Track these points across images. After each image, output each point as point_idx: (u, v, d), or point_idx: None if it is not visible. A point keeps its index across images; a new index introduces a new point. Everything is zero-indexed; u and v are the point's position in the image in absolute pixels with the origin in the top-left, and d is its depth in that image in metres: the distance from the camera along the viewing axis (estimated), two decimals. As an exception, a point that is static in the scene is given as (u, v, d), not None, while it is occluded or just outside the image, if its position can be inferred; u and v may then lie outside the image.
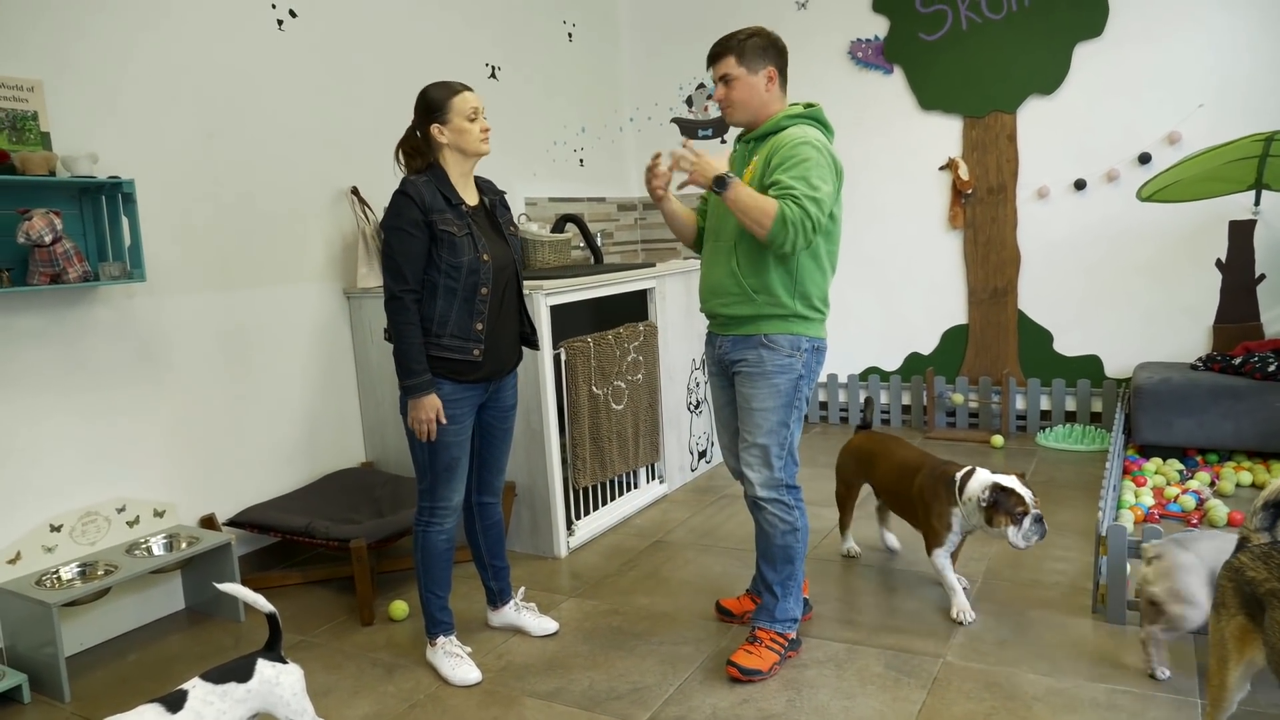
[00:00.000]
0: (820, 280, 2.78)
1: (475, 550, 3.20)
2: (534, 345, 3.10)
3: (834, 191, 2.68)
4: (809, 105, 2.80)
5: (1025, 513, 2.92)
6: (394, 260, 2.69)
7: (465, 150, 2.78)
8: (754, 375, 2.78)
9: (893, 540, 3.73)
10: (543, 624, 3.22)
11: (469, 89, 2.79)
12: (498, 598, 3.24)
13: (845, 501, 3.70)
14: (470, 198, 2.85)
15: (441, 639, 2.96)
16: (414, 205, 2.68)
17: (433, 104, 2.75)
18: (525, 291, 3.67)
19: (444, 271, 2.72)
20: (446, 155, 2.79)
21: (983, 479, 3.00)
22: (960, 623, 3.06)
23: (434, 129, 2.75)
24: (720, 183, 2.62)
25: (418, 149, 2.82)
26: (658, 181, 2.87)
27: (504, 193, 3.04)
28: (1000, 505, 2.94)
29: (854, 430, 3.75)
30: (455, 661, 2.90)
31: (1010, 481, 2.97)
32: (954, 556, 3.20)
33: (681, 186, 2.85)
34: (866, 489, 3.68)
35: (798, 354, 2.76)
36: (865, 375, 6.05)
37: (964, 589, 3.19)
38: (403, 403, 2.79)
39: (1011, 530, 2.93)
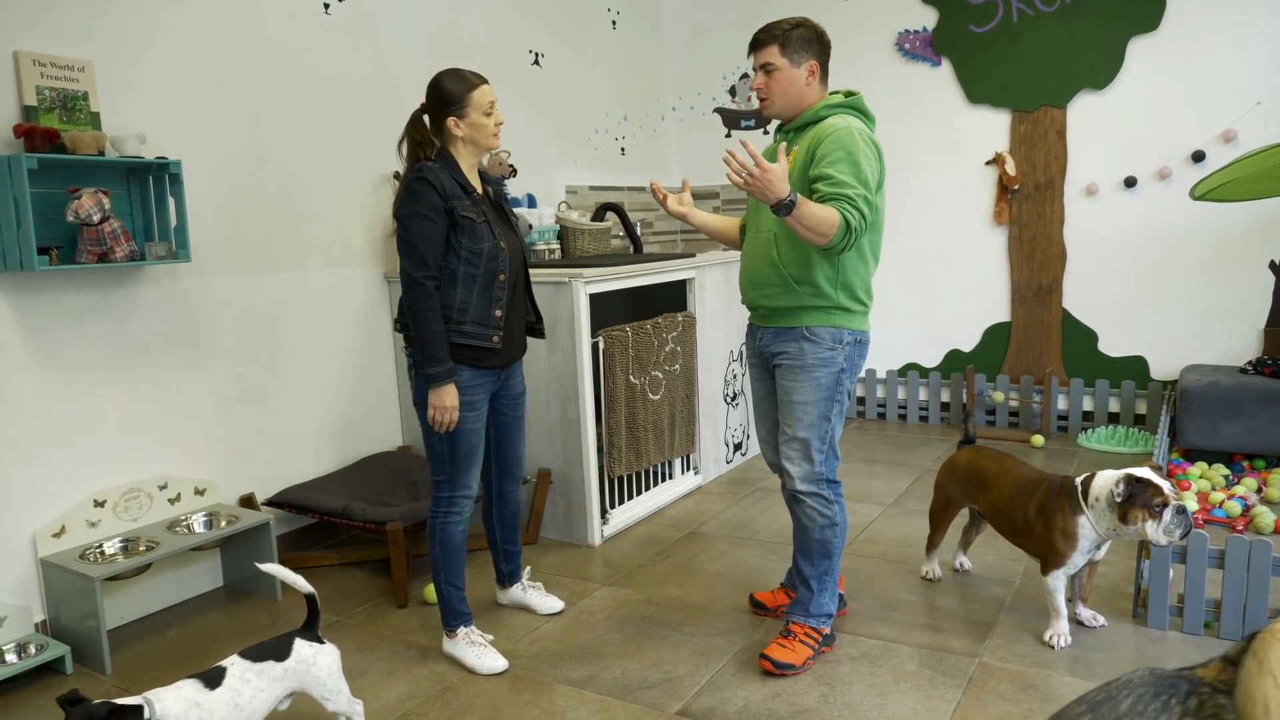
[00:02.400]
0: (863, 271, 2.75)
1: (491, 536, 3.24)
2: (539, 334, 3.09)
3: (877, 182, 2.65)
4: (849, 94, 2.76)
5: (1165, 504, 2.67)
6: (414, 247, 2.65)
7: (479, 144, 2.78)
8: (795, 368, 2.75)
9: (966, 562, 3.51)
10: (549, 603, 3.27)
11: (485, 81, 2.78)
12: (507, 579, 3.30)
13: (940, 521, 3.38)
14: (478, 186, 2.84)
15: (463, 630, 2.94)
16: (434, 191, 2.66)
17: (450, 96, 2.73)
18: (564, 279, 3.70)
19: (464, 258, 2.71)
20: (459, 146, 2.78)
21: (1110, 475, 2.78)
22: (1053, 646, 2.88)
23: (450, 121, 2.74)
24: (786, 206, 2.44)
25: (426, 138, 2.78)
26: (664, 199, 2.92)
27: (503, 180, 3.02)
28: (1136, 498, 2.71)
29: (957, 445, 3.44)
30: (480, 650, 2.90)
31: (1144, 472, 2.73)
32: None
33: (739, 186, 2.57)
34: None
35: (839, 347, 2.73)
36: (904, 371, 5.99)
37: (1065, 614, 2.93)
38: (419, 394, 2.76)
39: (1150, 526, 2.70)
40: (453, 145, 2.77)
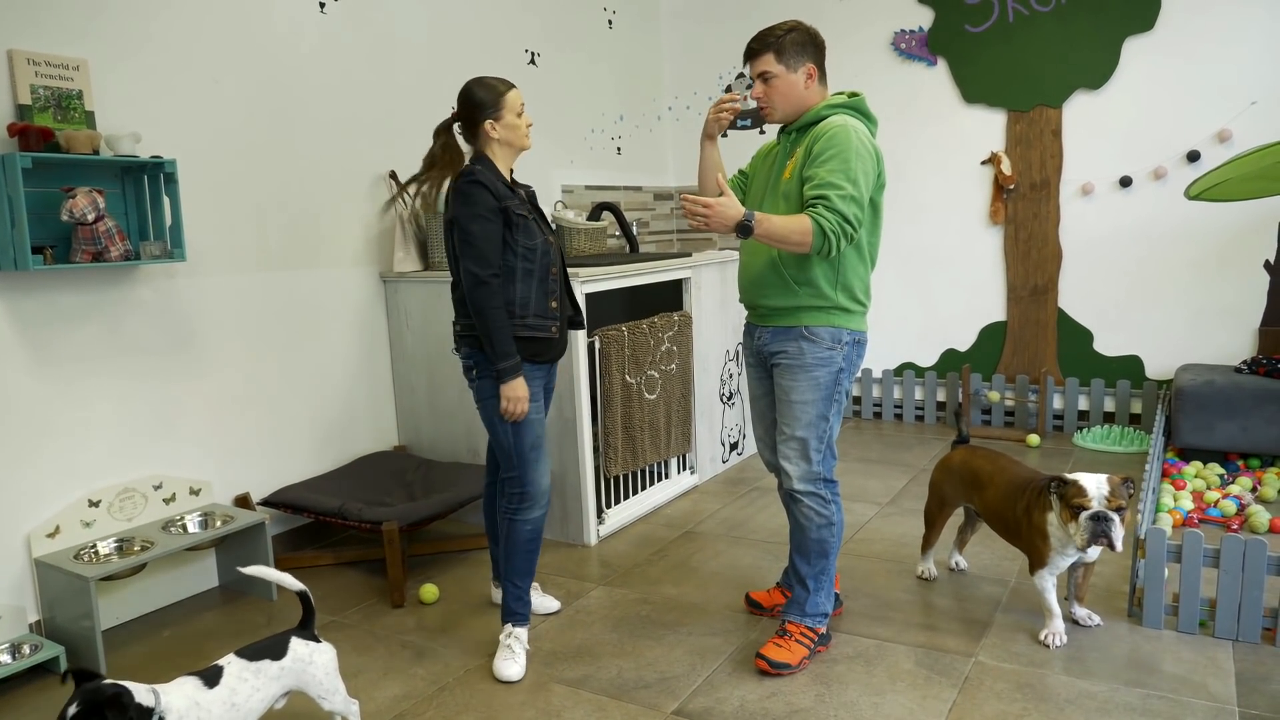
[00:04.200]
0: (862, 271, 2.75)
1: (491, 527, 3.23)
2: (579, 325, 3.16)
3: (873, 182, 2.65)
4: (853, 95, 2.76)
5: (1083, 507, 2.69)
6: (477, 247, 2.71)
7: (514, 144, 2.87)
8: (794, 367, 2.75)
9: (962, 562, 3.51)
10: (545, 603, 3.27)
11: (515, 85, 2.86)
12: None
13: (936, 521, 3.37)
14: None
15: (510, 628, 2.91)
16: (488, 193, 2.73)
17: (484, 101, 2.81)
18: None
19: (521, 255, 2.78)
20: (495, 150, 2.85)
21: (1072, 477, 2.78)
22: (1048, 646, 2.88)
23: (487, 125, 2.81)
24: (744, 229, 2.55)
25: (456, 151, 2.90)
26: (725, 116, 2.84)
27: (530, 186, 3.07)
28: (1062, 498, 2.75)
29: (951, 445, 3.43)
30: (508, 655, 2.85)
31: (1084, 475, 2.74)
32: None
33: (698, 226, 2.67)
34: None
35: (838, 346, 2.73)
36: (900, 370, 6.00)
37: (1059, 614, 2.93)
38: (483, 391, 2.83)
39: (1071, 527, 2.73)
40: (489, 149, 2.85)
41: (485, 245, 2.71)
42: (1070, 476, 2.77)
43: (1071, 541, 2.80)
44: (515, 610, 2.95)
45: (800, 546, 2.86)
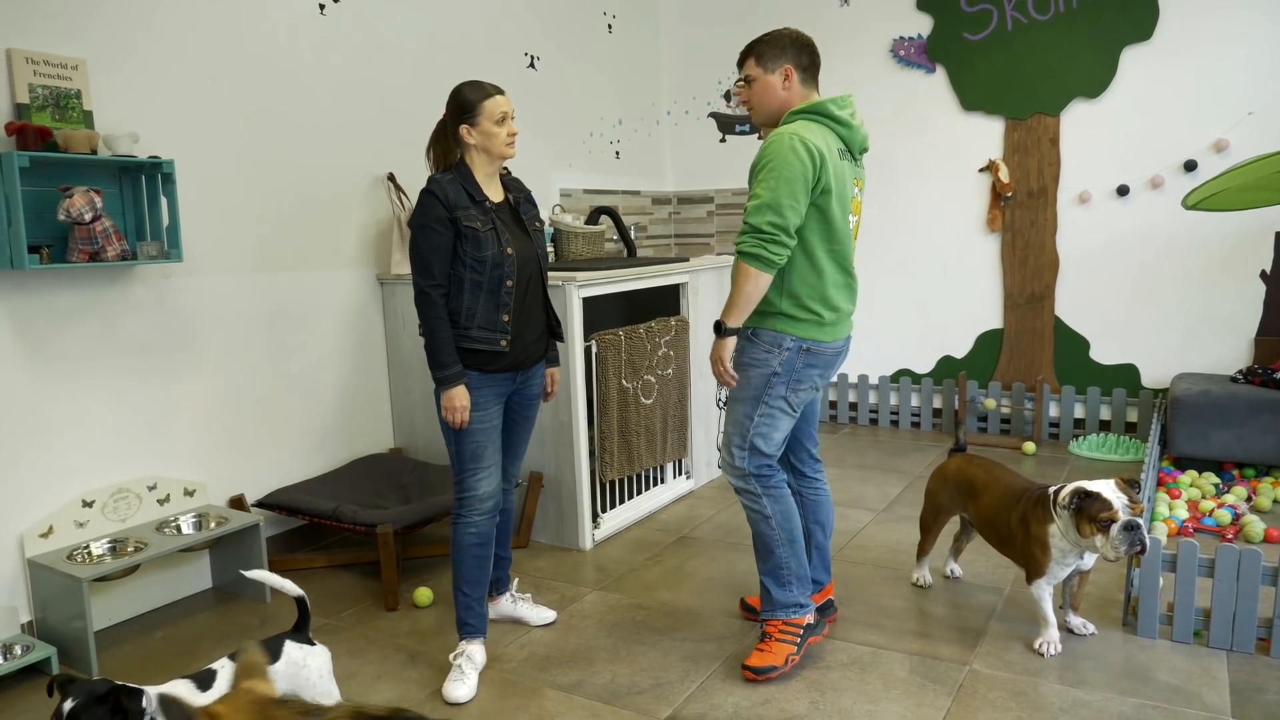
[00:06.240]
0: (815, 281, 2.72)
1: None
2: (559, 337, 3.10)
3: (802, 185, 2.58)
4: (833, 101, 2.77)
5: (1112, 520, 2.66)
6: (422, 256, 2.73)
7: (490, 153, 2.82)
8: (738, 364, 2.83)
9: (957, 569, 3.50)
10: (540, 614, 3.23)
11: (501, 92, 2.80)
12: (494, 587, 3.21)
13: (931, 528, 3.36)
14: (495, 195, 2.87)
15: (463, 645, 2.86)
16: (439, 203, 2.71)
17: (464, 105, 2.77)
18: (557, 283, 3.70)
19: (470, 265, 2.75)
20: (473, 155, 2.81)
21: (1074, 486, 2.78)
22: (1043, 654, 2.88)
23: (463, 130, 2.78)
24: (719, 328, 2.72)
25: (449, 147, 2.87)
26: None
27: (529, 191, 3.03)
28: (1083, 512, 2.72)
29: (948, 453, 3.42)
30: (455, 675, 2.79)
31: (1098, 485, 2.71)
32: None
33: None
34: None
35: (777, 351, 2.75)
36: (896, 377, 6.00)
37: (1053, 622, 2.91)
38: (437, 395, 2.80)
39: (1099, 540, 2.71)
40: (468, 154, 2.82)
41: (429, 256, 2.72)
42: (1091, 489, 2.72)
43: (1075, 552, 2.81)
44: (467, 621, 2.88)
45: (753, 545, 2.91)
